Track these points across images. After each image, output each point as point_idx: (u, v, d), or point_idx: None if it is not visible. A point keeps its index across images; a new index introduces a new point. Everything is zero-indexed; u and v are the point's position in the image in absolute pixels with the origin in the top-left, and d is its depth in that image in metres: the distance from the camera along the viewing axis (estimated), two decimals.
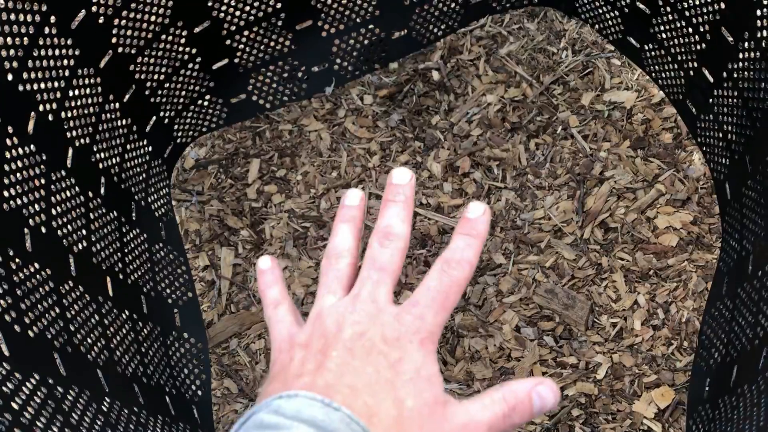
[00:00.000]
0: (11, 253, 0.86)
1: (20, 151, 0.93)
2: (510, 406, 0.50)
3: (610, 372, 1.28)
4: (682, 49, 1.38)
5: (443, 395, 0.50)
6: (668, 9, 1.36)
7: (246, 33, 1.45)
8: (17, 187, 0.91)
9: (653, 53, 1.49)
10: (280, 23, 1.47)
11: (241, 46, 1.46)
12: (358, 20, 1.55)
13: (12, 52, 0.93)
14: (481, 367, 1.31)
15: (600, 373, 1.28)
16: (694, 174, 1.45)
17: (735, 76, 1.24)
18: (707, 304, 1.31)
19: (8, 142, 0.91)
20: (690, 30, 1.33)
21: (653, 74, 1.54)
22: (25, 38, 0.96)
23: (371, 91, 1.64)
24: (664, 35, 1.42)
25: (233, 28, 1.42)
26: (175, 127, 1.49)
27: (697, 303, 1.33)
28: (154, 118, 1.41)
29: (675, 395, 1.24)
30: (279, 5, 1.43)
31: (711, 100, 1.34)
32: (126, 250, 1.23)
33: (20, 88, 0.95)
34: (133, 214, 1.30)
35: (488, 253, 1.41)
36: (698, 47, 1.32)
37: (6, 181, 0.89)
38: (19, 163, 0.93)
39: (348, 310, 0.53)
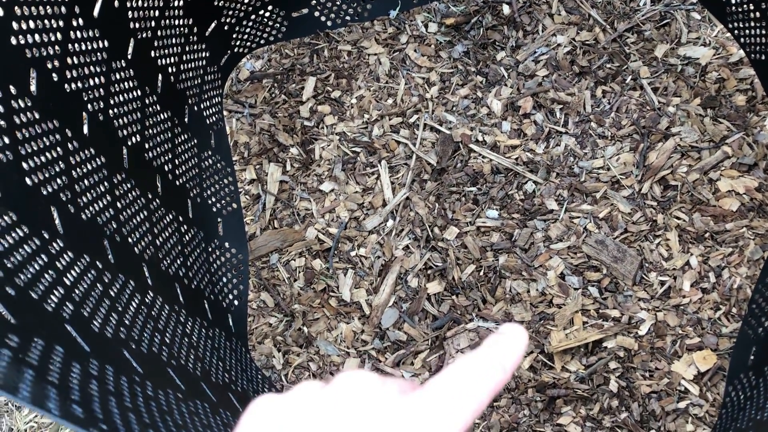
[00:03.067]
0: (69, 134, 0.85)
1: (84, 34, 0.91)
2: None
3: (652, 329, 1.25)
4: None
5: None
6: None
7: None
8: (79, 69, 0.90)
9: (739, 9, 1.41)
10: None
11: None
12: None
13: None
14: (521, 309, 1.29)
15: (642, 330, 1.25)
16: (764, 140, 1.39)
17: None
18: (762, 273, 1.26)
19: (74, 23, 0.88)
20: None
21: (735, 31, 1.45)
22: None
23: (437, 19, 1.58)
24: None
25: None
26: (234, 35, 1.46)
27: (752, 271, 1.28)
28: (215, 23, 1.38)
29: (717, 360, 1.21)
30: None
31: None
32: (177, 152, 1.22)
33: None
34: (186, 118, 1.28)
35: (541, 197, 1.38)
36: None
37: (69, 61, 0.87)
38: (83, 46, 0.91)
39: None
